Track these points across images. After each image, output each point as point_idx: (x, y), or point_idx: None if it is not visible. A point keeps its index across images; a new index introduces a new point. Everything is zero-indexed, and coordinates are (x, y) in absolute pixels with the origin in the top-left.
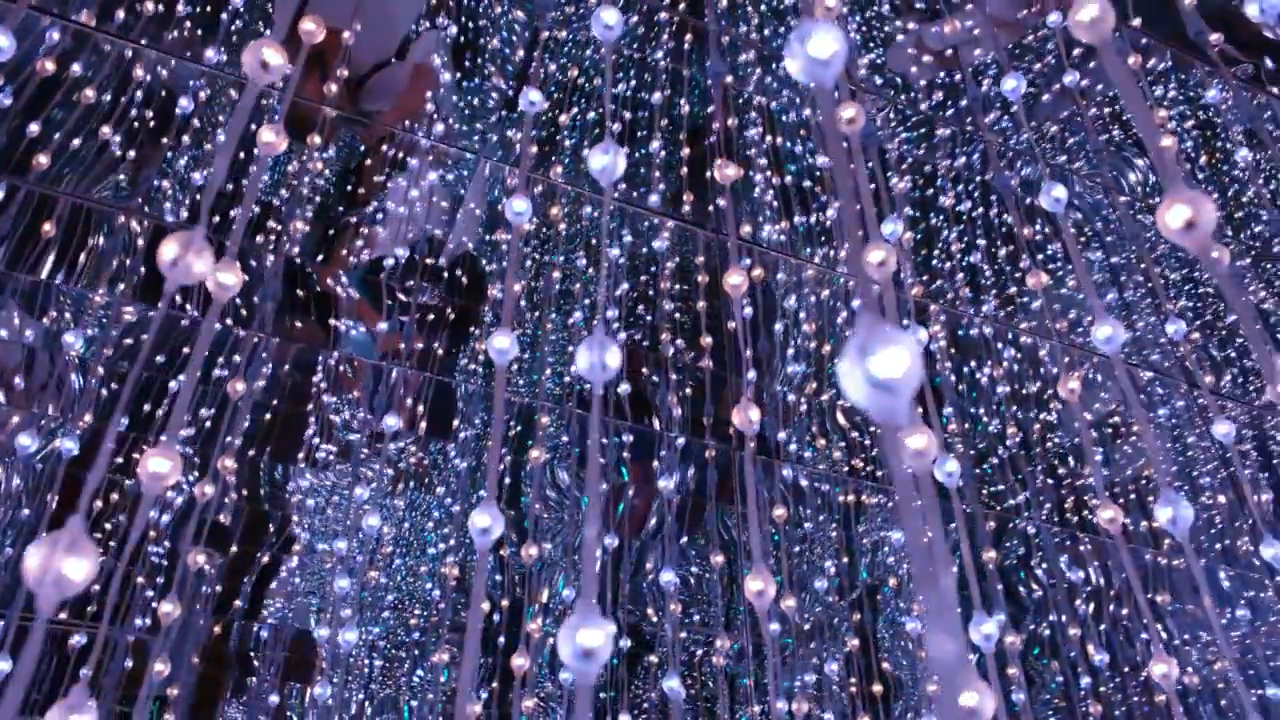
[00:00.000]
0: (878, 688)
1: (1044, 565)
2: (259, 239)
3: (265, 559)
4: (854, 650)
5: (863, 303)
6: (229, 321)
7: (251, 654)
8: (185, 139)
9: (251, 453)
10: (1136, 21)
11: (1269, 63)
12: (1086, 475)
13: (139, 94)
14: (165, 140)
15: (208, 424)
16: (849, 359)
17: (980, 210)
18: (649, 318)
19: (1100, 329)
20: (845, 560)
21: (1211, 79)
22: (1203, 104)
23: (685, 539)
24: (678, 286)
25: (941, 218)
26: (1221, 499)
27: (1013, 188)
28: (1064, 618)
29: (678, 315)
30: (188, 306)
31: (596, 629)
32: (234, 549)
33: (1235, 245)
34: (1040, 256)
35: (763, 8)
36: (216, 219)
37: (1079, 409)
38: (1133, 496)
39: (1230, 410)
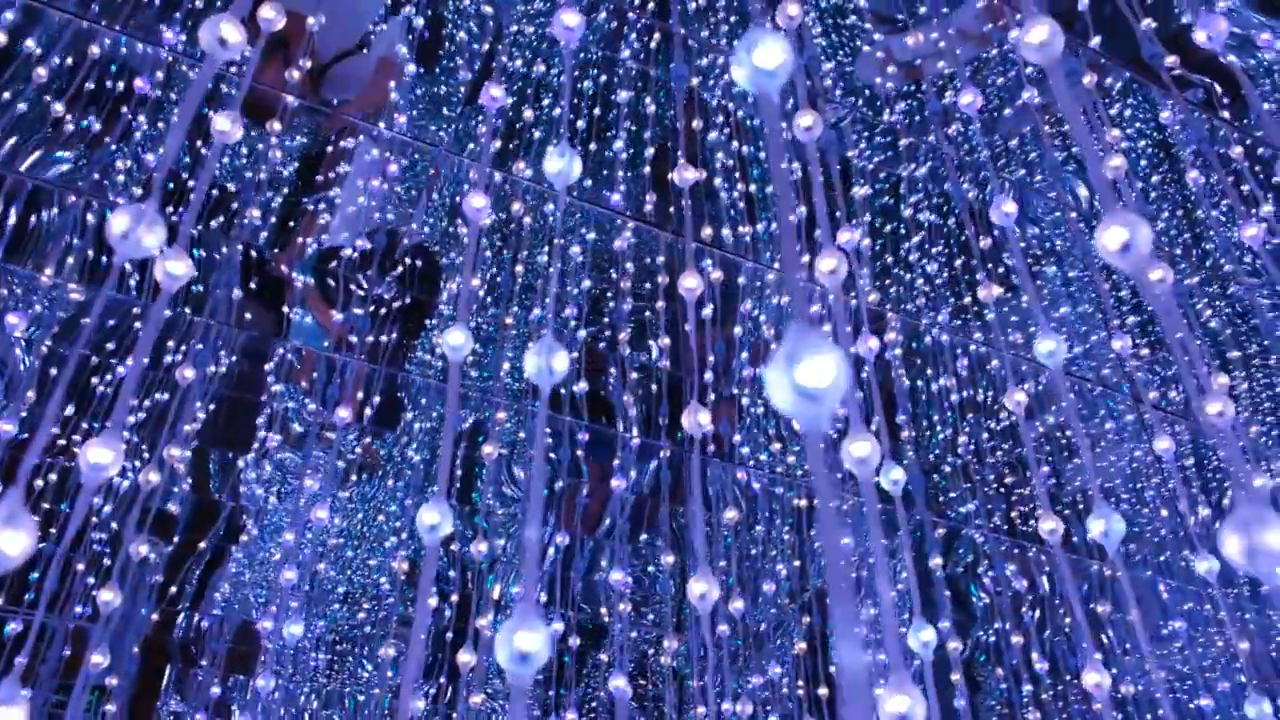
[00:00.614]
0: (824, 690)
1: (990, 574)
2: (214, 224)
3: (211, 549)
4: (802, 653)
5: (794, 312)
6: (185, 309)
7: (193, 645)
8: (141, 118)
9: (199, 442)
10: (1096, 40)
11: (1219, 88)
12: (1034, 485)
13: (94, 71)
14: (120, 119)
15: (153, 412)
16: (776, 367)
17: (939, 220)
18: (607, 317)
19: (1043, 343)
20: (797, 564)
21: (1166, 100)
22: (1158, 124)
23: (644, 538)
24: (645, 285)
25: (902, 227)
26: (1165, 512)
27: (969, 200)
28: (1007, 625)
29: (638, 315)
30: (136, 289)
31: (534, 632)
32: (179, 538)
33: (1186, 264)
34: (1001, 269)
35: (733, 18)
36: (170, 206)
37: (1023, 421)
38: (1081, 508)
39: (1174, 426)
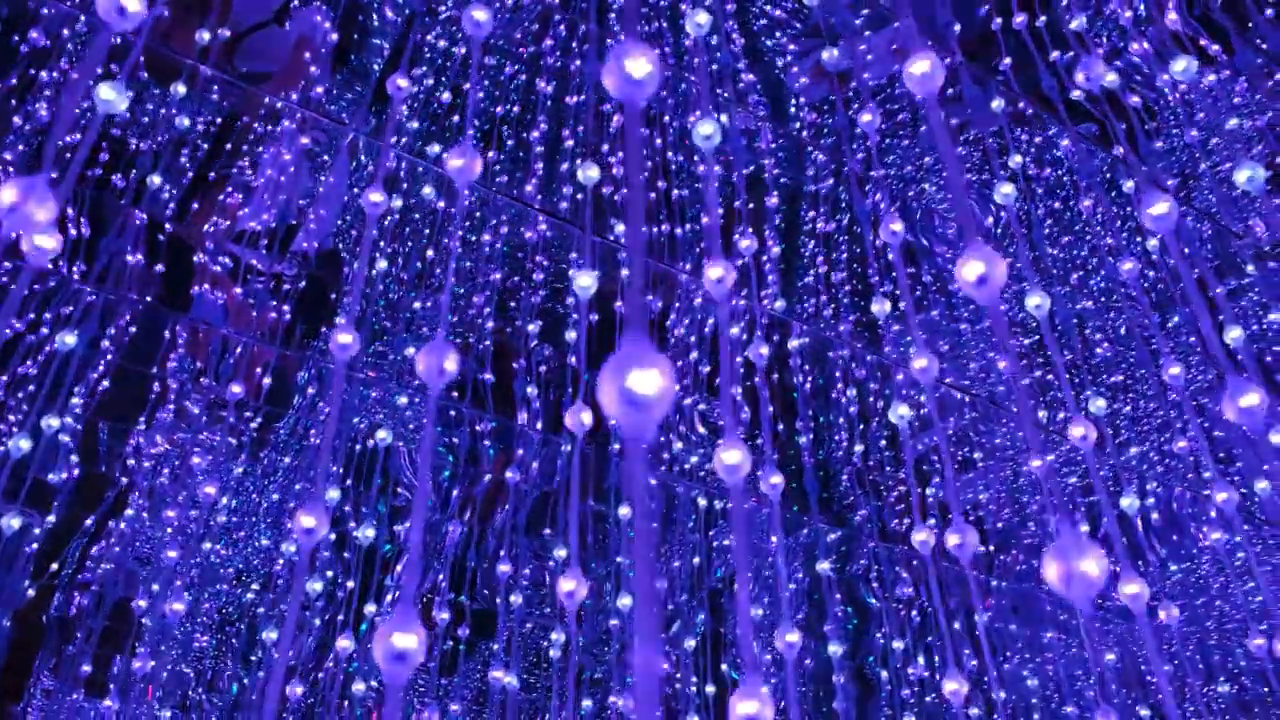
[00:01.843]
0: (711, 688)
1: (878, 581)
2: (114, 192)
3: (95, 523)
4: (693, 650)
5: (627, 320)
6: (75, 275)
7: (70, 623)
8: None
9: (88, 413)
10: (1008, 61)
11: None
12: (926, 495)
13: None
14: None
15: (39, 381)
16: (606, 374)
17: (844, 233)
18: (514, 308)
19: (918, 360)
20: (696, 561)
21: (1064, 131)
22: (1056, 155)
23: (547, 532)
24: (562, 280)
25: (810, 237)
26: (1047, 526)
27: (868, 213)
28: (890, 630)
29: (552, 309)
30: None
31: (410, 633)
32: (60, 511)
33: (1077, 294)
34: (912, 284)
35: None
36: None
37: (905, 433)
38: (972, 519)
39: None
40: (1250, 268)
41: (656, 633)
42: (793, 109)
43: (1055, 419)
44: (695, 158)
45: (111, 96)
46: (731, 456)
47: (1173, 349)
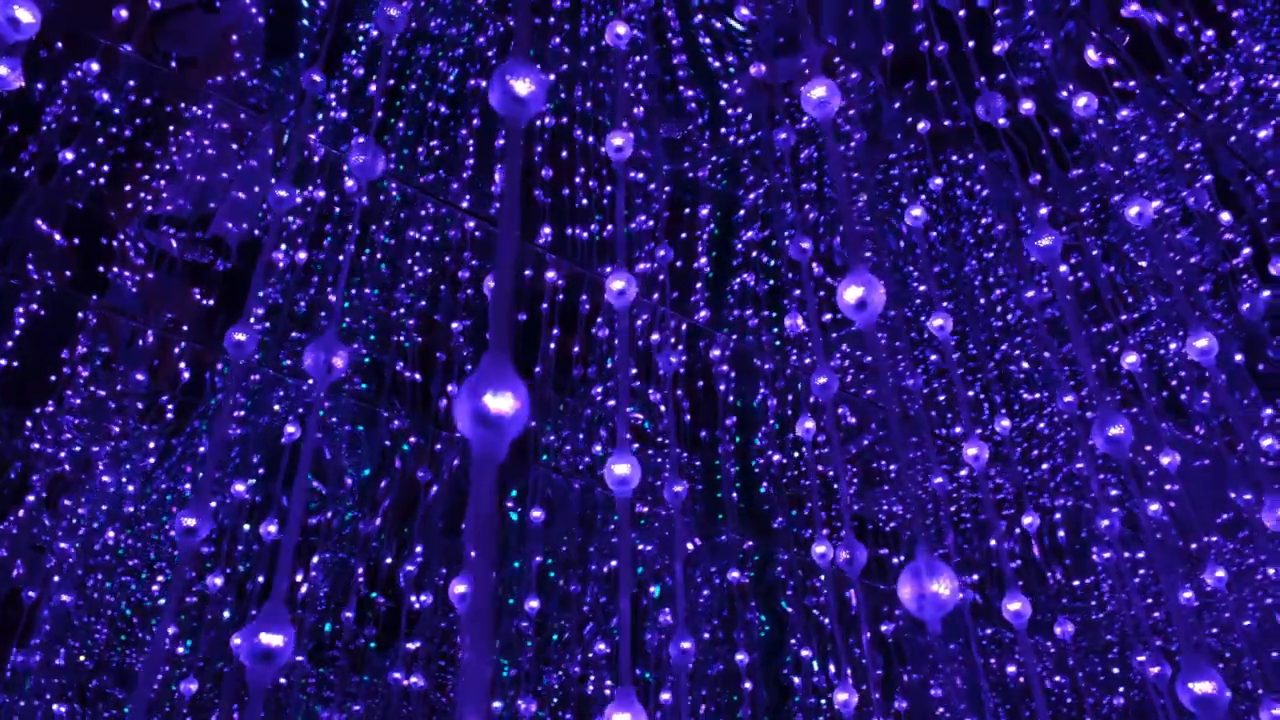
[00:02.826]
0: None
1: (793, 590)
2: (25, 172)
3: None
4: (601, 655)
5: (491, 340)
6: None
7: None
8: None
9: None
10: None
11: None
12: (834, 508)
13: None
14: None
15: None
16: (463, 392)
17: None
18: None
19: (819, 377)
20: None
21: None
22: (974, 179)
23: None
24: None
25: (740, 247)
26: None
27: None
28: (800, 638)
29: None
30: None
31: (277, 633)
32: None
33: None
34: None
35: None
36: None
37: (809, 449)
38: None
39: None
40: (1153, 297)
41: (489, 644)
42: (732, 121)
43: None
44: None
45: (4, 72)
46: (621, 468)
47: (1070, 374)
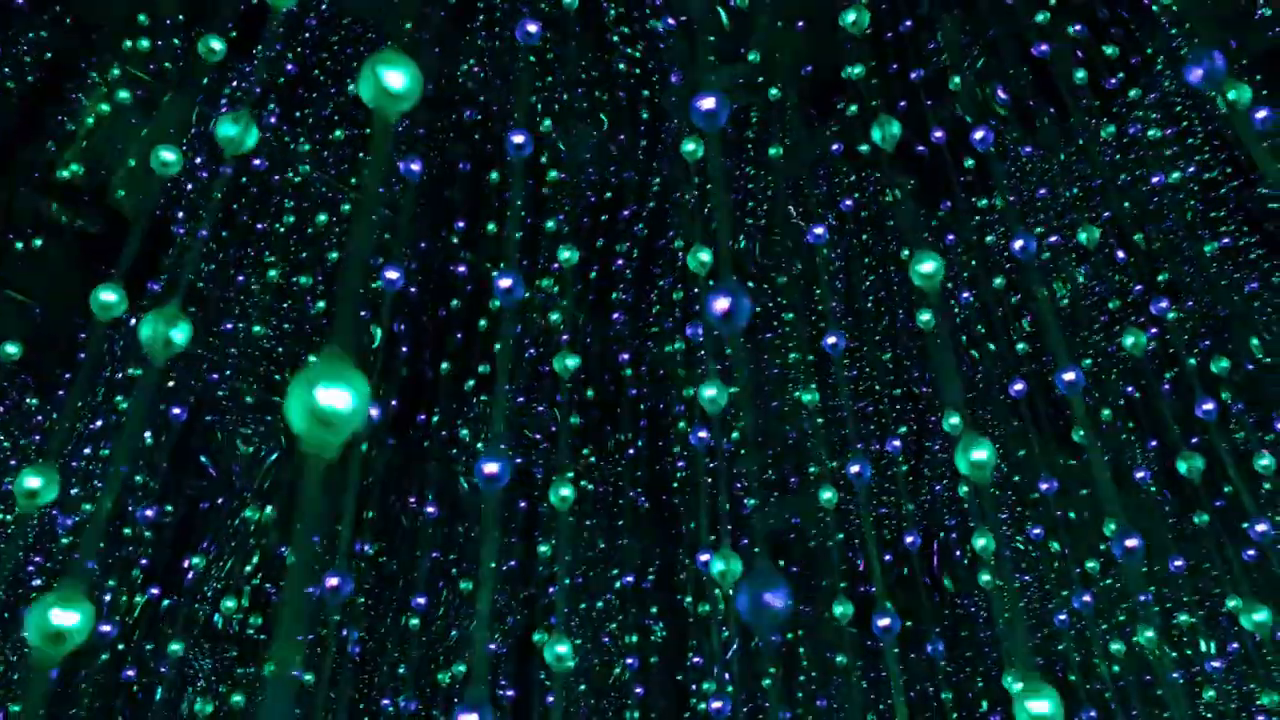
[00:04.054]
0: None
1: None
2: None
3: None
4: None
5: (336, 330)
6: None
7: None
8: None
9: None
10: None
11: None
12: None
13: None
14: None
15: None
16: (296, 387)
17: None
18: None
19: (705, 390)
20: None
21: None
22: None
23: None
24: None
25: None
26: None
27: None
28: (700, 644)
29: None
30: None
31: (73, 610)
32: None
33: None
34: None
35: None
36: None
37: (721, 458)
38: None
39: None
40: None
41: (298, 644)
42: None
43: (870, 449)
44: (542, 158)
45: None
46: (490, 467)
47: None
